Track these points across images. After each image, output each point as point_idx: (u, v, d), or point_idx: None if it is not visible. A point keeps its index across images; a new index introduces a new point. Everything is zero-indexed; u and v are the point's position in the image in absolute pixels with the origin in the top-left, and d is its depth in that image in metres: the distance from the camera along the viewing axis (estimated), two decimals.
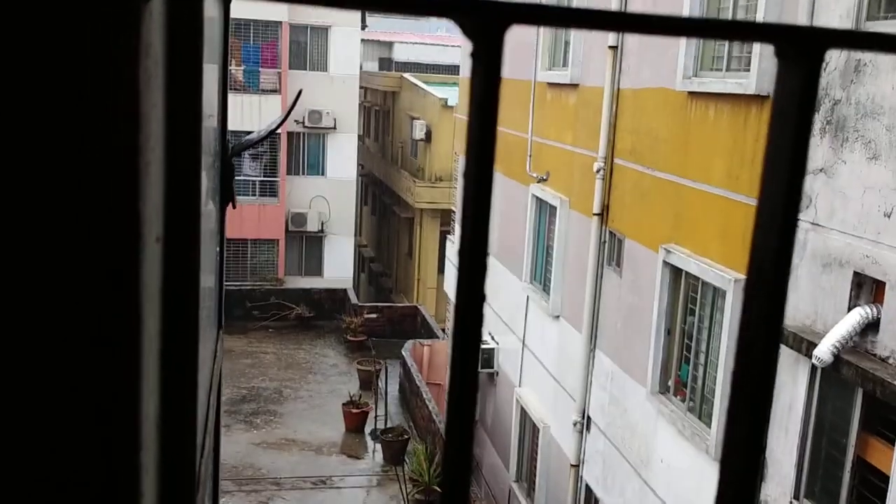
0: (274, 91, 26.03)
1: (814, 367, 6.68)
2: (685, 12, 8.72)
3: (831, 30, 0.43)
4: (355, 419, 18.34)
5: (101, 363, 0.54)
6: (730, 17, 8.28)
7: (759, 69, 7.48)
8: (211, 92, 1.65)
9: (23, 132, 0.49)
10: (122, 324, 0.54)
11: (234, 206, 2.00)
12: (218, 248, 2.00)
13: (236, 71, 25.91)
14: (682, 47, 8.78)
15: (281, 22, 25.90)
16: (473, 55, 0.38)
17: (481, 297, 0.43)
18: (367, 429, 18.38)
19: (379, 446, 17.51)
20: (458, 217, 18.43)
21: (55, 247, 0.51)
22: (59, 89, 0.49)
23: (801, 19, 6.94)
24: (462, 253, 0.42)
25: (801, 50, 0.42)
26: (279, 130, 25.91)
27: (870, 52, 0.45)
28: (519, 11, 0.37)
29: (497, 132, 0.41)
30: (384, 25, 46.02)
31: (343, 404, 18.59)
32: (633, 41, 10.18)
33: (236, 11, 26.35)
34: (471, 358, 0.41)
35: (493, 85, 0.38)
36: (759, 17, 7.50)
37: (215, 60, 1.76)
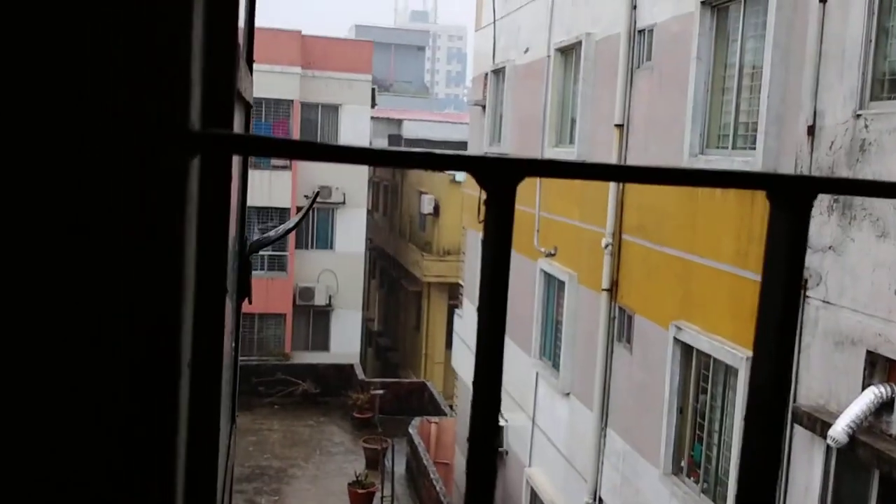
0: (285, 168, 26.39)
1: (829, 448, 6.56)
2: (689, 97, 8.86)
3: (819, 178, 0.45)
4: (361, 500, 17.98)
5: (138, 490, 0.56)
6: (734, 98, 8.40)
7: (764, 147, 7.56)
8: (232, 194, 1.68)
9: (81, 269, 0.54)
10: (159, 456, 0.56)
11: (249, 302, 2.00)
12: (234, 344, 1.99)
13: None
14: (689, 125, 8.89)
15: (293, 100, 26.43)
16: (487, 202, 0.38)
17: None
18: None
19: None
20: (464, 294, 18.25)
21: (101, 378, 0.54)
22: (116, 240, 0.54)
23: (805, 100, 7.03)
24: (475, 394, 0.41)
25: (791, 195, 0.43)
26: (289, 206, 26.17)
27: (857, 196, 0.45)
28: (528, 166, 0.37)
29: (510, 266, 0.41)
30: (394, 103, 46.94)
31: (349, 484, 18.26)
32: (639, 119, 10.32)
33: None
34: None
35: (506, 229, 0.38)
36: (763, 98, 7.61)
37: (235, 164, 1.78)
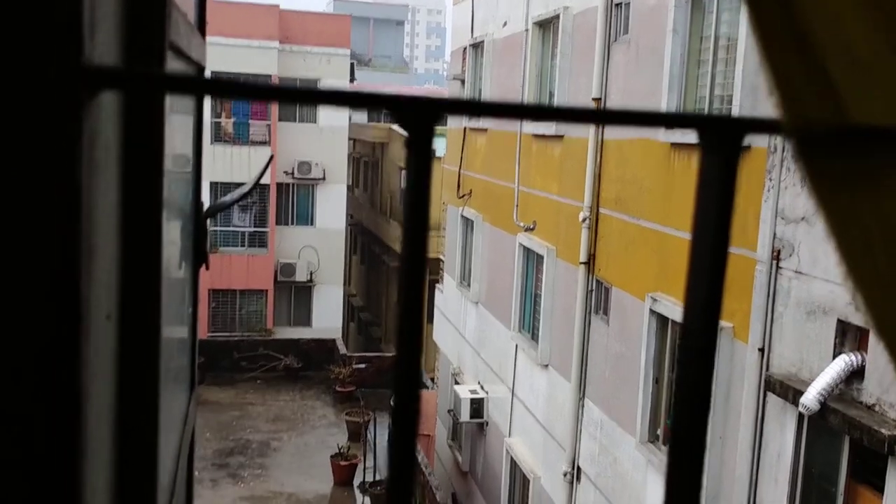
0: (263, 143, 26.22)
1: (801, 416, 6.69)
2: (665, 69, 8.90)
3: (751, 118, 0.47)
4: (344, 472, 18.13)
5: (40, 436, 0.55)
6: (710, 70, 8.45)
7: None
8: (185, 152, 1.68)
9: None
10: (60, 400, 0.55)
11: (206, 268, 2.02)
12: (191, 309, 2.01)
13: (226, 123, 26.10)
14: (665, 97, 8.94)
15: (270, 75, 26.21)
16: (407, 144, 0.41)
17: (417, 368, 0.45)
18: (356, 481, 18.15)
19: (368, 499, 17.27)
20: (445, 270, 18.25)
21: None
22: None
23: None
24: (399, 329, 0.44)
25: (722, 137, 0.45)
26: (268, 182, 26.03)
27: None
28: (445, 105, 0.41)
29: (430, 208, 0.44)
30: (373, 78, 46.58)
31: (331, 456, 18.39)
32: (616, 92, 10.35)
33: (226, 65, 26.45)
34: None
35: (426, 169, 0.41)
36: (738, 70, 7.66)
37: (189, 121, 1.79)
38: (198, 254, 1.88)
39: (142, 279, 0.81)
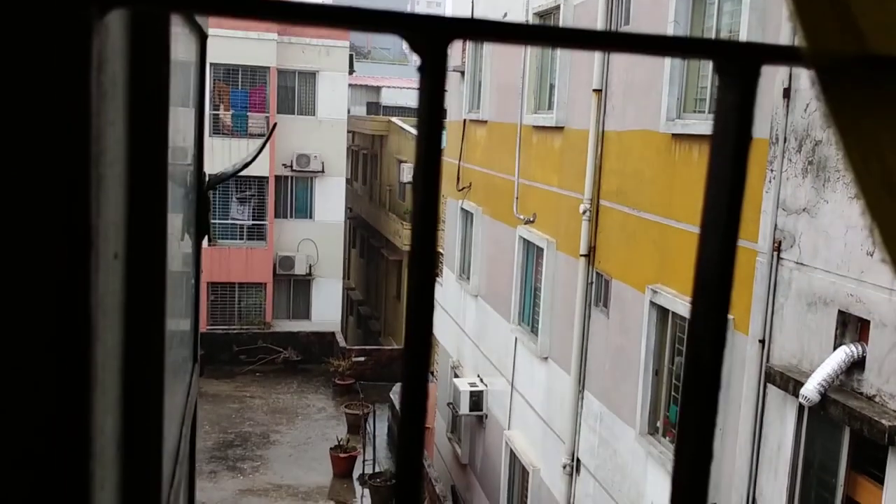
0: (262, 135, 26.17)
1: (801, 407, 6.68)
2: (667, 60, 8.87)
3: (768, 45, 0.45)
4: (343, 464, 18.14)
5: (49, 369, 0.55)
6: (709, 79, 8.42)
7: None
8: (187, 127, 1.67)
9: None
10: (71, 332, 0.54)
11: (209, 241, 2.00)
12: (194, 281, 2.00)
13: (225, 115, 26.06)
14: (665, 89, 8.91)
15: (269, 67, 26.16)
16: (420, 68, 0.39)
17: (430, 311, 0.43)
18: (356, 473, 18.17)
19: (367, 491, 17.29)
20: (444, 263, 18.24)
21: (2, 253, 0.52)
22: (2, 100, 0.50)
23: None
24: (411, 262, 0.43)
25: (739, 64, 0.44)
26: (267, 174, 25.99)
27: (804, 67, 0.46)
28: (461, 26, 0.39)
29: (442, 139, 0.42)
30: (372, 70, 46.55)
31: (331, 449, 18.40)
32: (617, 84, 10.33)
33: (225, 57, 26.38)
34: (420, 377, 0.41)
35: (438, 94, 0.39)
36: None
37: (191, 97, 1.78)
38: (200, 224, 1.87)
39: (148, 218, 0.80)
